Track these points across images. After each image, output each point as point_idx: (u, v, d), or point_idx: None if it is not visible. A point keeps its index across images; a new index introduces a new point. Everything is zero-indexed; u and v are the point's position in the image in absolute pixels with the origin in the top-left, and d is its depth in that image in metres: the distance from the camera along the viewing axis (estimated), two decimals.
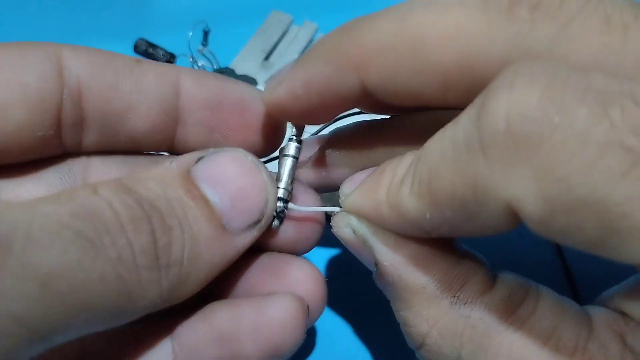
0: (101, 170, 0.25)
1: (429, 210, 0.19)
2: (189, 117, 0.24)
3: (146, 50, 0.41)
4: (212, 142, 0.25)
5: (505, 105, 0.16)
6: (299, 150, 0.24)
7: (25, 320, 0.16)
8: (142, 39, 0.41)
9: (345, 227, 0.23)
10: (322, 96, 0.22)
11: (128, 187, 0.20)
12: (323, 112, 0.23)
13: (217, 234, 0.21)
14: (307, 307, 0.23)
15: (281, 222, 0.24)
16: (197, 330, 0.22)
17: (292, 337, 0.22)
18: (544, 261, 0.33)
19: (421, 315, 0.21)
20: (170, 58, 0.41)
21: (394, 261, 0.21)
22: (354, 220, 0.23)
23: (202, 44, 0.41)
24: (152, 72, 0.24)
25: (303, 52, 0.43)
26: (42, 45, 0.23)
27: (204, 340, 0.22)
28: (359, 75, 0.21)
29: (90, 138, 0.24)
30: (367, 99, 0.22)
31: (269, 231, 0.24)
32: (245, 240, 0.22)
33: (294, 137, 0.24)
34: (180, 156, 0.22)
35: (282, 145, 0.25)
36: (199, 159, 0.22)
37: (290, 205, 0.24)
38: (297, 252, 0.25)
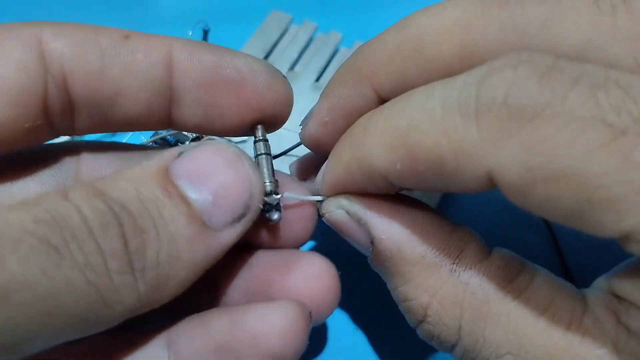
0: (93, 165, 0.24)
1: (400, 161, 0.19)
2: (184, 97, 0.23)
3: None
4: (209, 120, 0.24)
5: (507, 81, 0.17)
6: (268, 146, 0.24)
7: None
8: None
9: (337, 209, 0.23)
10: (346, 117, 0.23)
11: (100, 191, 0.19)
12: None
13: (197, 232, 0.20)
14: (310, 312, 0.22)
15: (280, 214, 0.24)
16: (194, 340, 0.21)
17: (293, 345, 0.21)
18: (539, 253, 0.34)
19: (421, 286, 0.21)
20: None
21: (390, 233, 0.22)
22: (343, 201, 0.23)
23: None
24: (142, 51, 0.22)
25: (302, 51, 0.44)
26: (19, 28, 0.21)
27: (201, 350, 0.21)
28: (372, 86, 0.23)
29: (82, 122, 0.23)
30: None
31: (270, 226, 0.24)
32: (230, 235, 0.21)
33: (260, 138, 0.24)
34: (159, 152, 0.22)
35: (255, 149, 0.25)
36: (180, 154, 0.21)
37: (285, 194, 0.23)
38: (297, 243, 0.25)
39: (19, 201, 0.18)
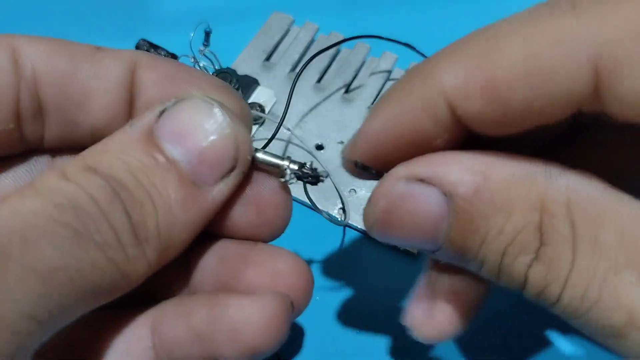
0: (67, 158, 0.24)
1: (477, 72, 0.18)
2: (139, 99, 0.23)
3: (148, 51, 0.41)
4: None
5: None
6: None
7: (35, 315, 0.17)
8: (143, 40, 0.41)
9: (394, 183, 0.20)
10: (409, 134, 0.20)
11: (93, 168, 0.19)
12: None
13: (189, 193, 0.20)
14: (291, 304, 0.22)
15: (304, 179, 0.23)
16: (176, 327, 0.22)
17: (272, 338, 0.21)
18: None
19: (527, 205, 0.18)
20: (172, 58, 0.41)
21: (468, 168, 0.19)
22: (399, 168, 0.20)
23: (204, 45, 0.41)
24: (111, 58, 0.23)
25: (304, 52, 0.44)
26: None
27: (183, 338, 0.21)
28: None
29: (51, 131, 0.23)
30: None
31: (244, 215, 0.23)
32: (222, 190, 0.21)
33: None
34: (140, 115, 0.21)
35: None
36: (161, 114, 0.21)
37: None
38: (272, 233, 0.24)
39: (29, 188, 0.19)
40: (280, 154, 0.29)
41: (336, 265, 0.35)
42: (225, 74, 0.40)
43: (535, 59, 0.17)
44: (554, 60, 0.17)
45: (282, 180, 0.23)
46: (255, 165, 0.23)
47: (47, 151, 0.24)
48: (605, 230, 0.17)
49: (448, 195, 0.19)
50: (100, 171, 0.19)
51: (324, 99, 0.42)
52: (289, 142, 0.28)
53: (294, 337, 0.32)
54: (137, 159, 0.20)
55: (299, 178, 0.23)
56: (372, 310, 0.33)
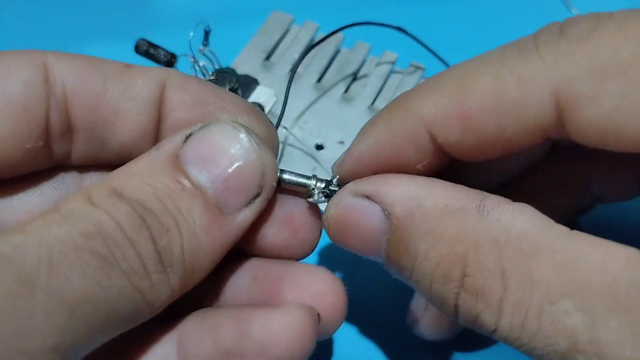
0: (94, 176, 0.24)
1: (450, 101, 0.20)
2: (167, 119, 0.23)
3: (147, 50, 0.41)
4: None
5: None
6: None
7: (58, 348, 0.17)
8: (143, 39, 0.41)
9: (345, 196, 0.22)
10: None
11: (119, 192, 0.19)
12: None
13: (214, 219, 0.21)
14: (318, 316, 0.22)
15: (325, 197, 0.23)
16: (203, 342, 0.21)
17: (301, 352, 0.21)
18: None
19: (453, 236, 0.19)
20: (172, 58, 0.41)
21: (407, 192, 0.20)
22: (350, 184, 0.22)
23: (203, 44, 0.41)
24: (141, 77, 0.23)
25: (304, 52, 0.43)
26: (26, 52, 0.22)
27: (210, 353, 0.21)
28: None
29: (79, 149, 0.23)
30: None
31: (274, 234, 0.23)
32: (247, 216, 0.21)
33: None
34: (166, 139, 0.22)
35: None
36: (187, 138, 0.21)
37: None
38: (302, 253, 0.24)
39: (54, 213, 0.18)
40: (279, 153, 0.29)
41: (337, 265, 0.35)
42: (225, 74, 0.40)
43: (503, 95, 0.19)
44: (520, 96, 0.19)
45: (310, 200, 0.23)
46: (281, 187, 0.23)
47: (74, 167, 0.24)
48: (538, 264, 0.18)
49: (386, 214, 0.21)
50: (126, 196, 0.19)
51: (324, 99, 0.41)
52: (285, 142, 0.28)
53: None
54: (163, 184, 0.20)
55: (326, 196, 0.23)
56: (373, 310, 0.33)
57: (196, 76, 0.25)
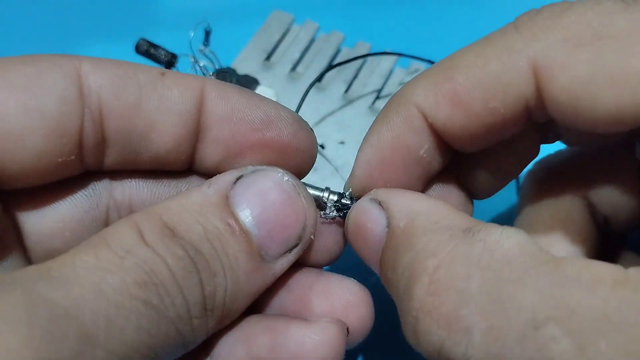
0: (127, 184, 0.24)
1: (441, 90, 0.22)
2: (208, 133, 0.23)
3: (147, 50, 0.41)
4: (229, 159, 0.23)
5: None
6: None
7: None
8: (143, 39, 0.41)
9: (364, 200, 0.23)
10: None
11: (170, 229, 0.20)
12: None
13: (255, 265, 0.21)
14: (347, 330, 0.22)
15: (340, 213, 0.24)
16: (236, 352, 0.22)
17: None
18: None
19: (427, 249, 0.19)
20: (172, 58, 0.41)
21: (406, 206, 0.21)
22: (371, 192, 0.23)
23: (204, 44, 0.41)
24: (177, 87, 0.22)
25: (304, 51, 0.44)
26: (59, 59, 0.21)
27: None
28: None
29: (111, 158, 0.23)
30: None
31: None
32: (282, 265, 0.22)
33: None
34: (216, 177, 0.22)
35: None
36: (237, 179, 0.21)
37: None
38: (327, 260, 0.25)
39: (106, 255, 0.18)
40: None
41: (338, 265, 0.35)
42: (225, 74, 0.40)
43: (485, 67, 0.21)
44: (501, 67, 0.20)
45: (323, 214, 0.24)
46: None
47: (105, 174, 0.24)
48: (521, 289, 0.17)
49: (387, 223, 0.21)
50: (178, 234, 0.20)
51: (325, 99, 0.41)
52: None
53: None
54: (214, 225, 0.20)
55: (338, 210, 0.24)
56: (374, 309, 0.33)
57: (233, 84, 0.24)
